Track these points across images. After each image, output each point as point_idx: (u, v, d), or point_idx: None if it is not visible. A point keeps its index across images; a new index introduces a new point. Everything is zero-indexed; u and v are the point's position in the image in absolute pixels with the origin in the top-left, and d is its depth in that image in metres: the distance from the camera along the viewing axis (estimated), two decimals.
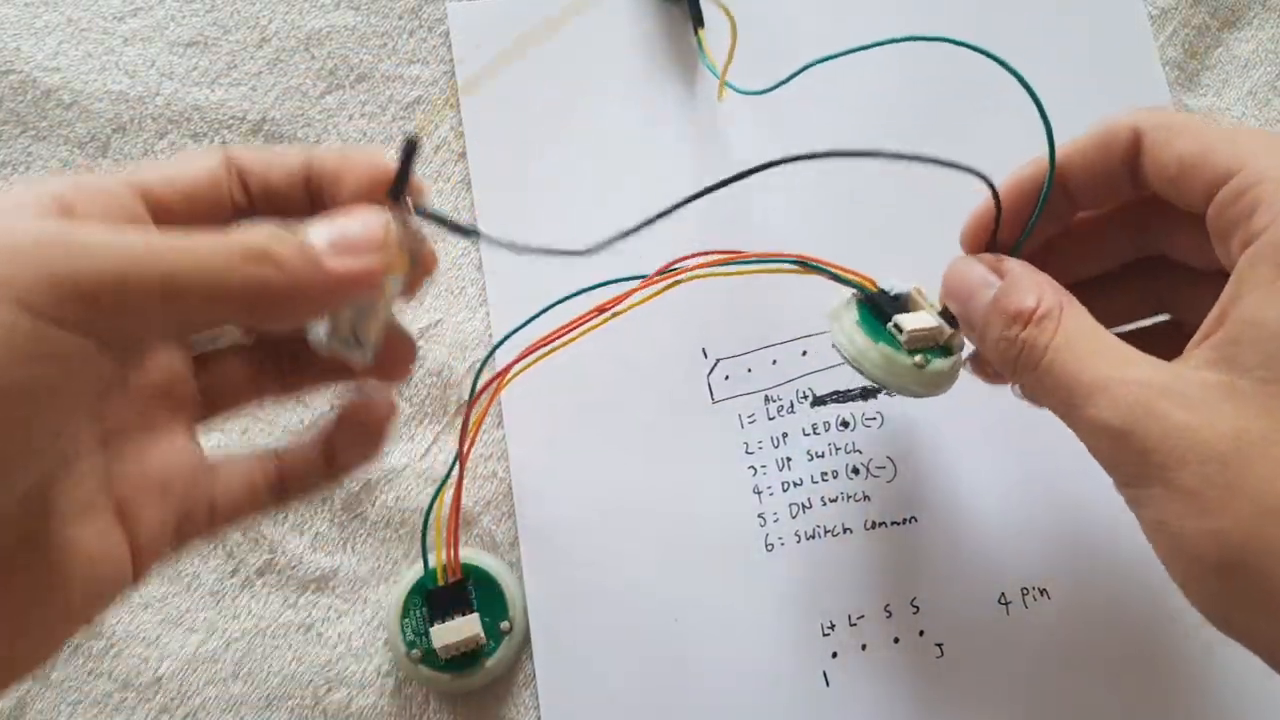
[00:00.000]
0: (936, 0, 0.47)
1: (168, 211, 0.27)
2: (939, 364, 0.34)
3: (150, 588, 0.41)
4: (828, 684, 0.40)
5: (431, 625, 0.39)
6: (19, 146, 0.44)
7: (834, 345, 0.35)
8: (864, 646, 0.40)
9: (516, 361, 0.39)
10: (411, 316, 0.43)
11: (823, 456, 0.42)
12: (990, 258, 0.33)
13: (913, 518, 0.42)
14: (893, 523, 0.42)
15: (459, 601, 0.39)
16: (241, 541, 0.41)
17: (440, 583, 0.40)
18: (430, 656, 0.39)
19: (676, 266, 0.35)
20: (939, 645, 0.40)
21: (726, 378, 0.43)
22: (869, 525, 0.42)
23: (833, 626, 0.41)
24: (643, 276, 0.38)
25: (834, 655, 0.40)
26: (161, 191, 0.27)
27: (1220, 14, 0.47)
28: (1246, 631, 0.27)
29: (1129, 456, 0.28)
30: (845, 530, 0.42)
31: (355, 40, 0.45)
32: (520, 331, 0.40)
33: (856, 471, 0.42)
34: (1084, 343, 0.29)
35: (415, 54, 0.46)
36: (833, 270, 0.35)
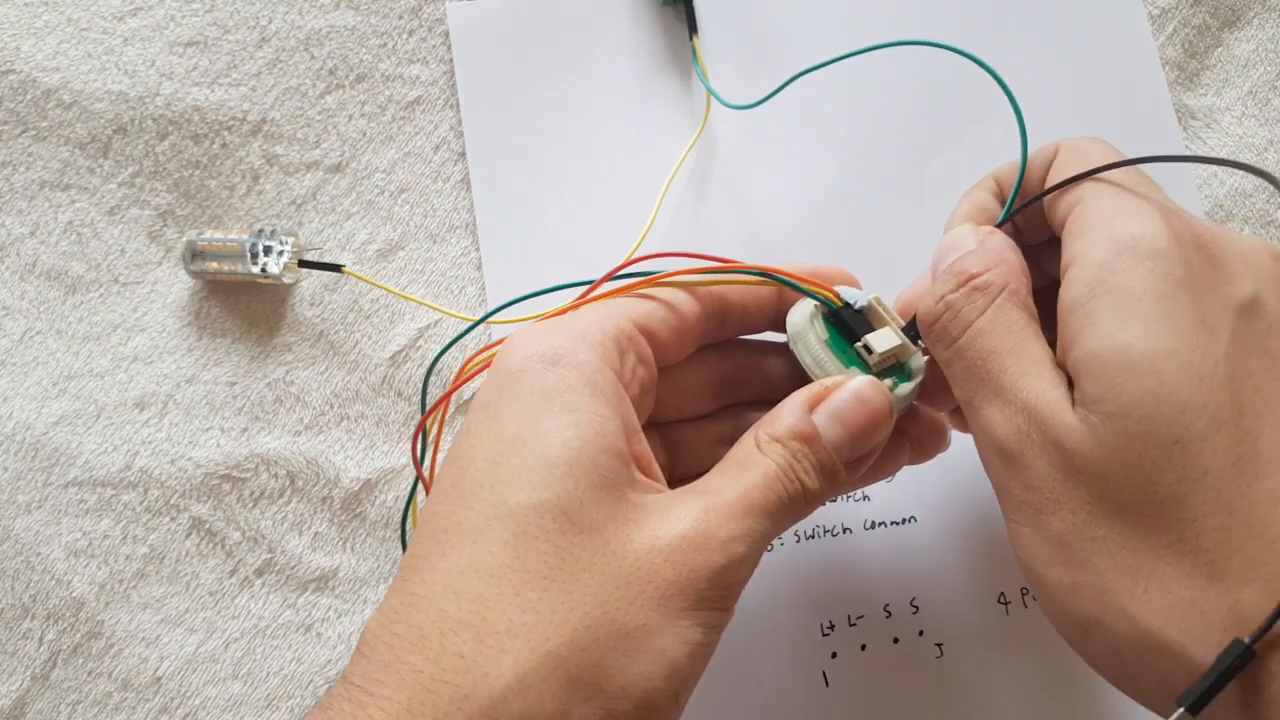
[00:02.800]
0: (936, 2, 0.47)
1: (659, 342, 0.32)
2: (903, 390, 0.32)
3: (149, 588, 0.41)
4: (827, 684, 0.40)
5: None
6: (19, 147, 0.44)
7: (802, 365, 0.33)
8: (863, 646, 0.40)
9: (469, 364, 0.36)
10: (411, 316, 0.43)
11: None
12: (986, 228, 0.32)
13: (912, 518, 0.42)
14: (892, 522, 0.42)
15: None
16: (241, 541, 0.41)
17: None
18: None
19: (628, 273, 0.33)
20: (939, 645, 0.40)
21: None
22: (868, 525, 0.42)
23: (832, 626, 0.41)
24: (589, 282, 0.35)
25: (833, 655, 0.40)
26: (657, 329, 0.32)
27: (1220, 14, 0.47)
28: (1094, 665, 0.28)
29: (1015, 483, 0.27)
30: (845, 530, 0.42)
31: (355, 40, 0.45)
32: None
33: None
34: (1005, 335, 0.28)
35: (415, 54, 0.46)
36: (795, 282, 0.33)
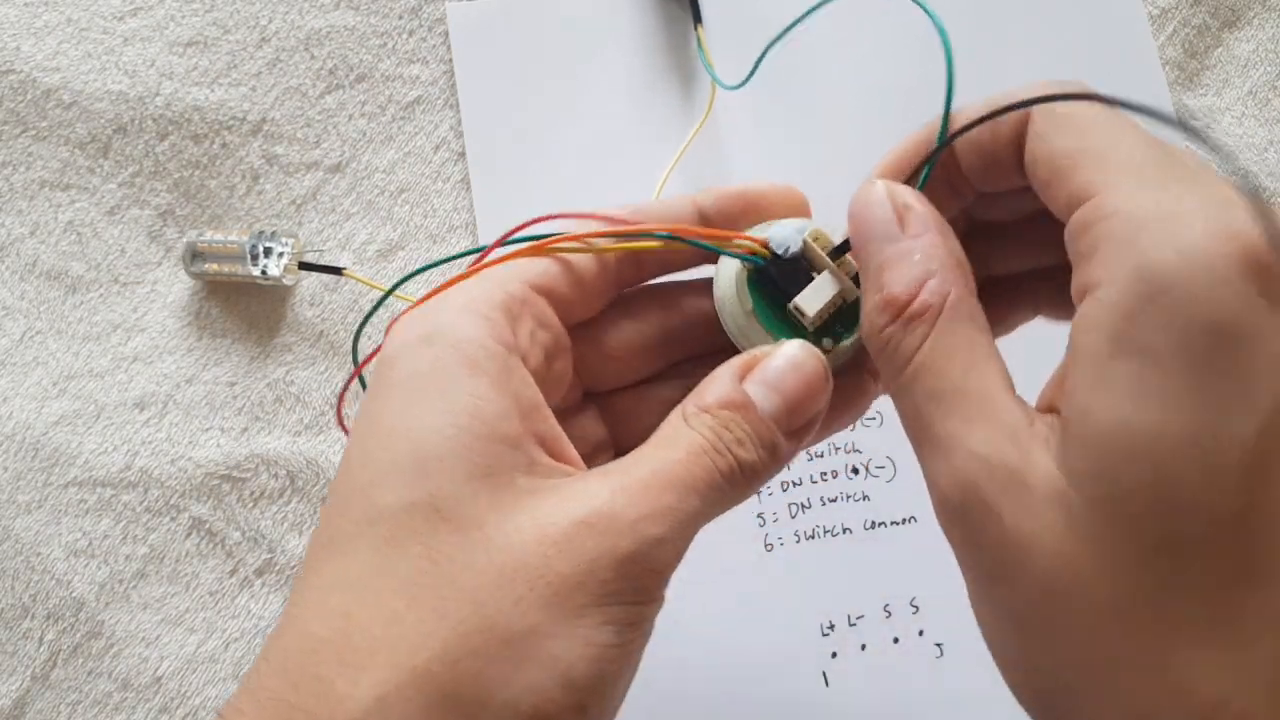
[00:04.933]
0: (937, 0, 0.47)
1: (561, 300, 0.28)
2: (845, 345, 0.28)
3: (149, 587, 0.41)
4: (827, 684, 0.40)
5: None
6: (19, 146, 0.44)
7: (731, 339, 0.29)
8: (863, 646, 0.40)
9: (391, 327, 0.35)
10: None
11: (822, 456, 0.42)
12: (902, 193, 0.26)
13: (912, 517, 0.42)
14: (892, 522, 0.42)
15: None
16: (241, 541, 0.41)
17: None
18: None
19: (519, 237, 0.30)
20: (938, 645, 0.40)
21: None
22: (868, 525, 0.42)
23: (832, 626, 0.41)
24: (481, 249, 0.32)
25: (833, 655, 0.40)
26: (555, 285, 0.28)
27: (1220, 14, 0.47)
28: None
29: (964, 545, 0.24)
30: (845, 530, 0.42)
31: (355, 40, 0.45)
32: None
33: (856, 471, 0.42)
34: (953, 367, 0.24)
35: (415, 54, 0.46)
36: (709, 243, 0.28)
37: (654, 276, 0.30)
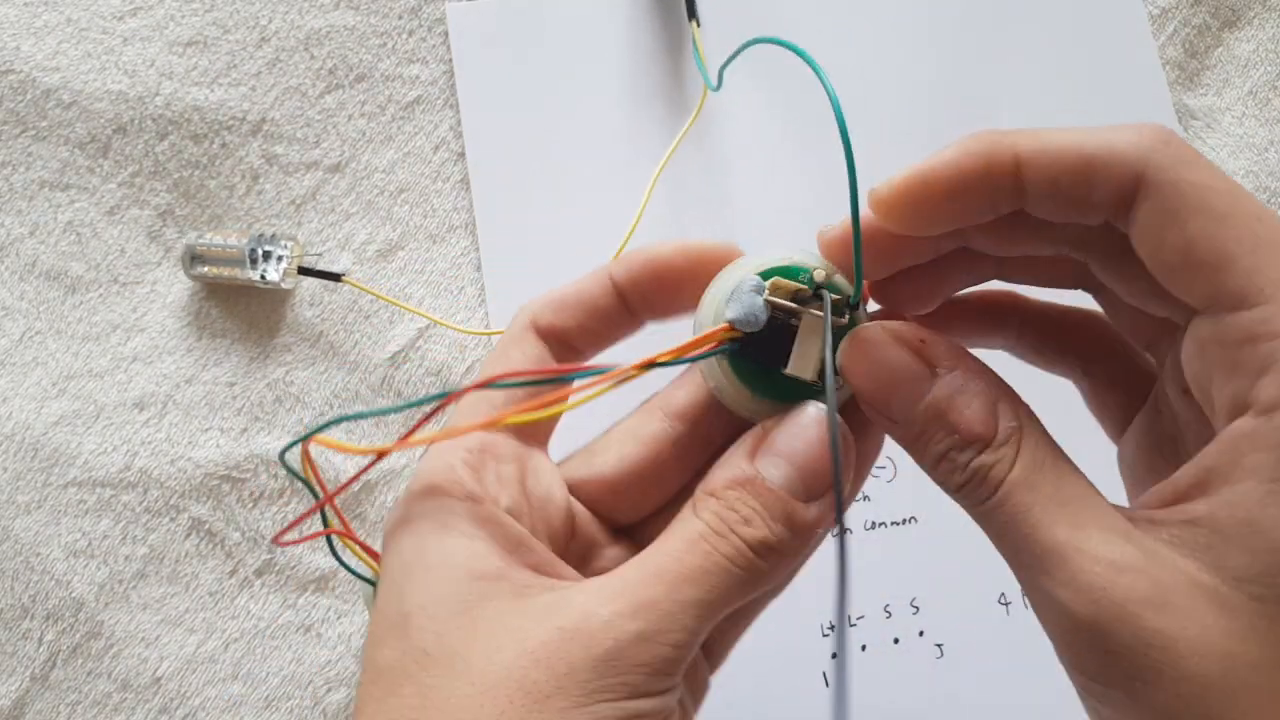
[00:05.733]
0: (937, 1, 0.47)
1: (563, 337, 0.29)
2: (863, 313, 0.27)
3: (149, 588, 0.41)
4: (827, 684, 0.40)
5: None
6: (19, 146, 0.44)
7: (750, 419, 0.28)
8: (864, 647, 0.40)
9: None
10: (410, 317, 0.43)
11: None
12: (907, 330, 0.25)
13: (912, 518, 0.42)
14: (892, 523, 0.42)
15: None
16: (240, 542, 0.41)
17: None
18: None
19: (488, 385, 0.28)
20: (939, 645, 0.40)
21: None
22: (869, 525, 0.42)
23: (832, 627, 0.41)
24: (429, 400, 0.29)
25: (833, 656, 0.40)
26: (559, 321, 0.29)
27: (1221, 14, 0.47)
28: None
29: (1091, 654, 0.23)
30: (845, 530, 0.42)
31: (355, 40, 0.45)
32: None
33: None
34: (1045, 484, 0.24)
35: (414, 54, 0.46)
36: (679, 358, 0.27)
37: (597, 353, 0.30)
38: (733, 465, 0.26)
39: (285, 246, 0.42)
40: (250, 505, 0.41)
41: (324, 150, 0.45)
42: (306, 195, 0.44)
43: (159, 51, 0.45)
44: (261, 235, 0.42)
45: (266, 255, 0.42)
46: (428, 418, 0.28)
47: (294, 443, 0.28)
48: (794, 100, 0.45)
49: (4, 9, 0.45)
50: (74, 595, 0.40)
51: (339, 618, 0.41)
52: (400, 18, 0.46)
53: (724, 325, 0.26)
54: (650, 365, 0.26)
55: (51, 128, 0.44)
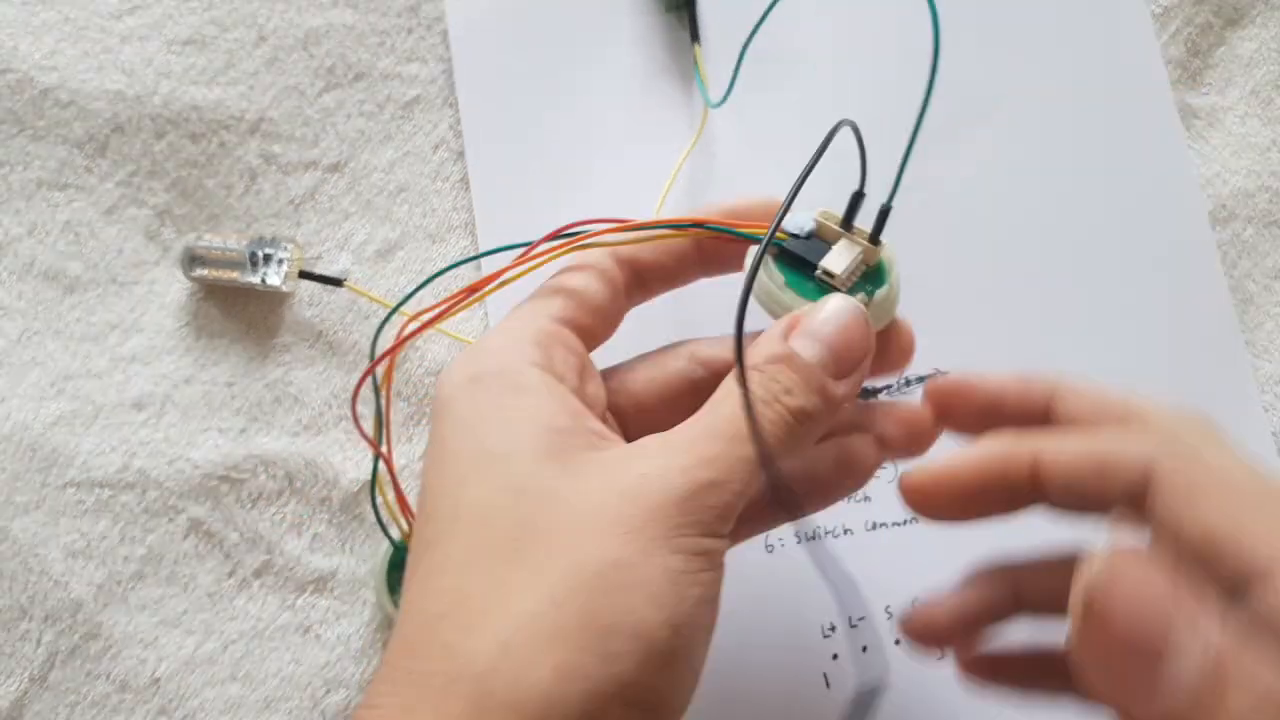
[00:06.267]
0: (937, 3, 0.47)
1: (582, 327, 0.33)
2: (881, 294, 0.32)
3: (147, 589, 0.41)
4: (828, 686, 0.40)
5: None
6: (16, 146, 0.44)
7: (771, 318, 0.32)
8: (864, 648, 0.40)
9: (406, 331, 0.36)
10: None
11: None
12: (1155, 579, 0.22)
13: (913, 518, 0.42)
14: (893, 523, 0.41)
15: None
16: (239, 542, 0.41)
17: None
18: None
19: (569, 233, 0.34)
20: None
21: None
22: (869, 526, 0.41)
23: (833, 628, 0.40)
24: (527, 244, 0.35)
25: (834, 657, 0.40)
26: (575, 314, 0.32)
27: (1224, 12, 0.47)
28: None
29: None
30: (845, 531, 0.41)
31: (353, 39, 0.45)
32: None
33: None
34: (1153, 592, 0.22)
35: (413, 52, 0.46)
36: (732, 228, 0.33)
37: (659, 292, 0.35)
38: (771, 343, 0.29)
39: (285, 249, 0.42)
40: (249, 506, 0.41)
41: (323, 149, 0.44)
42: (305, 195, 0.44)
43: (157, 50, 0.45)
44: (261, 238, 0.42)
45: (267, 258, 0.42)
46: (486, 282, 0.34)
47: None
48: (795, 111, 0.45)
49: (1, 8, 0.45)
50: (72, 596, 0.40)
51: (338, 619, 0.41)
52: (399, 16, 0.46)
53: (779, 229, 0.32)
54: (702, 225, 0.33)
55: (49, 127, 0.44)
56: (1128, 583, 0.22)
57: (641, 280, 0.34)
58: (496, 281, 0.35)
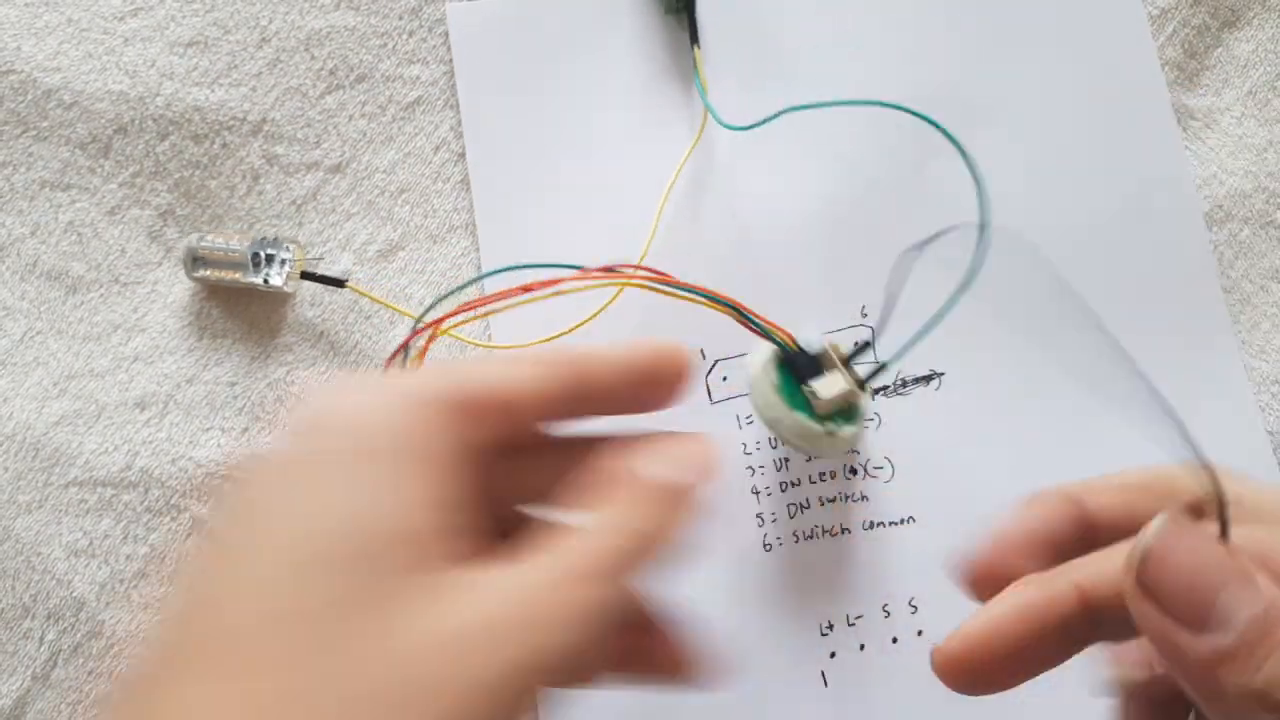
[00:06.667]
0: (938, 7, 0.47)
1: (496, 410, 0.24)
2: (846, 432, 0.36)
3: (150, 588, 0.41)
4: (826, 684, 0.40)
5: None
6: (19, 147, 0.44)
7: (753, 407, 0.37)
8: (862, 647, 0.41)
9: (434, 325, 0.38)
10: (412, 318, 0.43)
11: (821, 456, 0.42)
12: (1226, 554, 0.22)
13: (911, 518, 0.42)
14: (890, 523, 0.42)
15: None
16: None
17: None
18: None
19: (617, 269, 0.37)
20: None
21: (725, 379, 0.43)
22: (867, 525, 0.42)
23: (831, 627, 0.41)
24: (578, 267, 0.39)
25: (832, 655, 0.40)
26: (495, 394, 0.24)
27: (1220, 14, 0.47)
28: None
29: None
30: (843, 530, 0.42)
31: (355, 40, 0.46)
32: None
33: (854, 471, 0.42)
34: None
35: (415, 54, 0.46)
36: (760, 323, 0.37)
37: (594, 414, 0.27)
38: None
39: (288, 250, 0.42)
40: None
41: (324, 151, 0.45)
42: (307, 196, 0.44)
43: (160, 52, 0.45)
44: (263, 238, 0.42)
45: (269, 259, 0.42)
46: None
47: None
48: (794, 115, 0.45)
49: (5, 9, 0.45)
50: (75, 595, 0.40)
51: None
52: (401, 18, 0.46)
53: (789, 333, 0.37)
54: (742, 314, 0.37)
55: (52, 128, 0.44)
56: (1184, 543, 0.21)
57: (584, 392, 0.26)
58: (550, 289, 0.37)
